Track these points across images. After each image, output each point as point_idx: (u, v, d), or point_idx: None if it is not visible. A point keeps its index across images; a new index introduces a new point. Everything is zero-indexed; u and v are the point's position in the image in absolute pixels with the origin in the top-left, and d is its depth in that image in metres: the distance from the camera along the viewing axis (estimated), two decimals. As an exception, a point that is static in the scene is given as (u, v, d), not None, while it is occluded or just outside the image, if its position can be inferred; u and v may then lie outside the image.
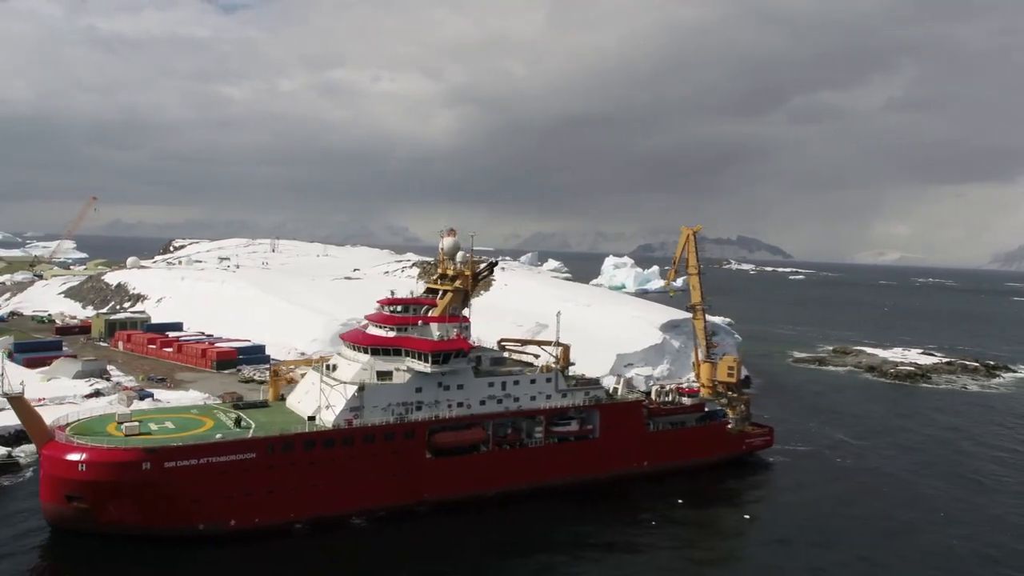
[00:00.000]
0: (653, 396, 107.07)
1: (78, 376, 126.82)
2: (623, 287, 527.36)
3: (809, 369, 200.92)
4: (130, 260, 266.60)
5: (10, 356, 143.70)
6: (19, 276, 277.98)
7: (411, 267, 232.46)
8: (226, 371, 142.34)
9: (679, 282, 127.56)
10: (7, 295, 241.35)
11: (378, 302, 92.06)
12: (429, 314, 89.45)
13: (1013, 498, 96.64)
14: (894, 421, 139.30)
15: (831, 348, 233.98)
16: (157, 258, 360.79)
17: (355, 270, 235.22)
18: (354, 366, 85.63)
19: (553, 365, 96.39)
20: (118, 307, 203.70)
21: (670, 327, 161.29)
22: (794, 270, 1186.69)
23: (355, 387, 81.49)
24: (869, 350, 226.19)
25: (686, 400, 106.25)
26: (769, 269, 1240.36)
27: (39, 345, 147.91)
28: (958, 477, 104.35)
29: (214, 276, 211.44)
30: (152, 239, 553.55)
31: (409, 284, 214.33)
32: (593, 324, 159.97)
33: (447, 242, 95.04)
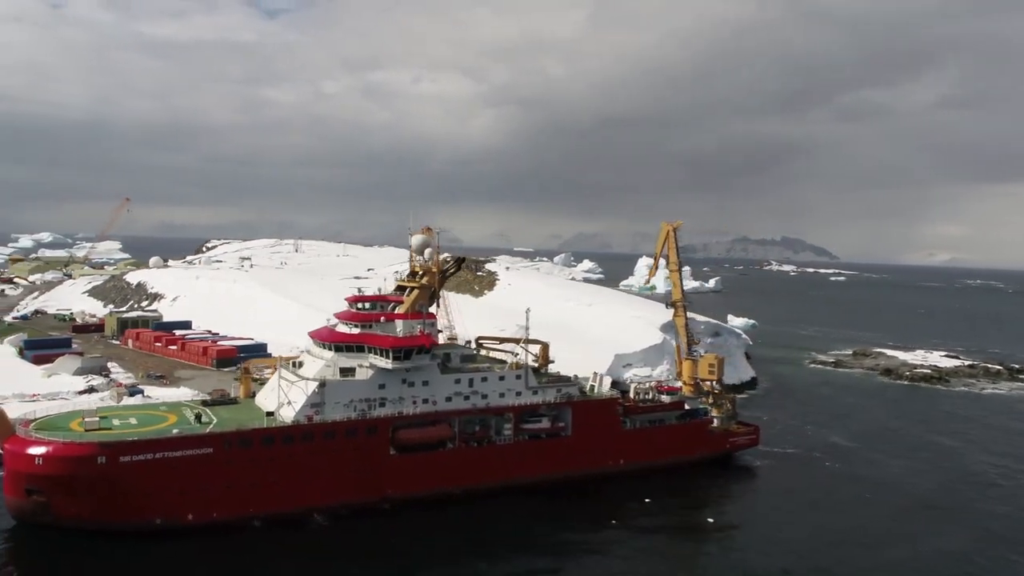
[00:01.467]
0: (631, 394, 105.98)
1: (78, 373, 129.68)
2: (653, 288, 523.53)
3: (824, 371, 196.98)
4: (152, 260, 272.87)
5: (20, 353, 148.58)
6: (49, 275, 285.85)
7: None
8: (226, 369, 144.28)
9: (661, 281, 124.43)
10: (35, 294, 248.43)
11: (346, 299, 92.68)
12: (395, 311, 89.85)
13: (1002, 506, 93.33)
14: (895, 425, 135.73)
15: (851, 350, 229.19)
16: (189, 258, 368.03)
17: (369, 270, 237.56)
18: (318, 363, 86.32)
19: (522, 362, 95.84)
20: (136, 306, 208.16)
21: (671, 327, 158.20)
22: (836, 271, 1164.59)
23: (316, 383, 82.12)
24: (890, 352, 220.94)
25: (665, 398, 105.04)
26: (811, 270, 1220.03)
27: (48, 343, 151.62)
28: (946, 486, 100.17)
29: (226, 276, 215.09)
30: (197, 240, 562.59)
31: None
32: (593, 324, 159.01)
33: (416, 240, 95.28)
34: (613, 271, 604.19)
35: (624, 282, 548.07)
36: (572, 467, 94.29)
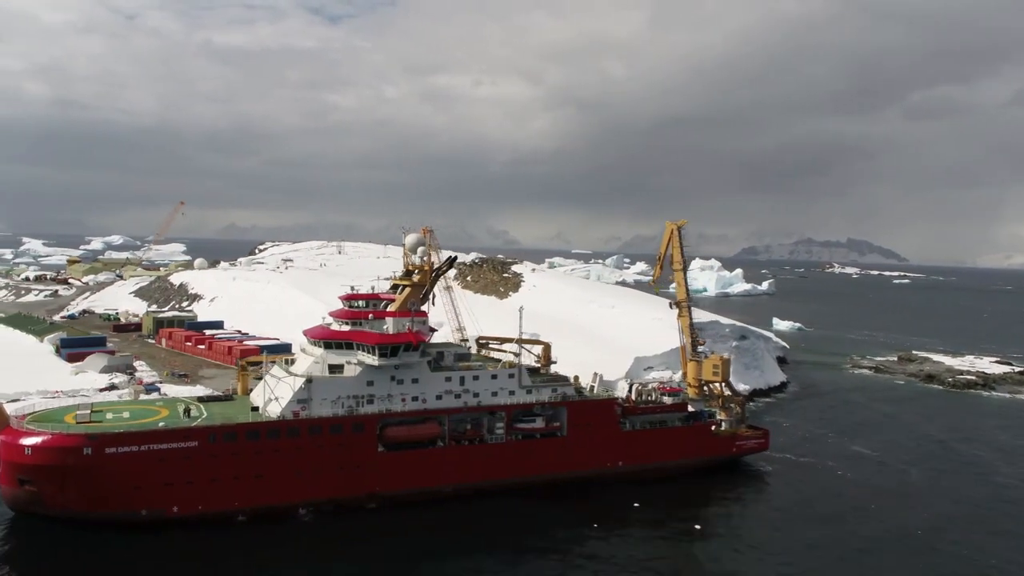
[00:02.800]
0: (633, 395, 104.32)
1: (104, 371, 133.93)
2: (704, 291, 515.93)
3: (862, 376, 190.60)
4: (197, 262, 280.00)
5: (57, 351, 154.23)
6: (102, 277, 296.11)
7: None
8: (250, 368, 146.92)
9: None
10: (87, 294, 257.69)
11: (339, 297, 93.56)
12: (387, 309, 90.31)
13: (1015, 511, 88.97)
14: (924, 433, 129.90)
15: (896, 355, 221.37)
16: (239, 259, 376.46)
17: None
18: (308, 360, 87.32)
19: (515, 361, 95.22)
20: (177, 306, 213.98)
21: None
22: (900, 274, 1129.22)
23: (303, 380, 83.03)
24: (937, 358, 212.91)
25: (667, 399, 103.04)
26: (874, 273, 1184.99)
27: (83, 341, 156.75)
28: (965, 501, 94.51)
29: (261, 277, 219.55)
30: (259, 243, 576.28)
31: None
32: (615, 326, 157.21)
33: (409, 239, 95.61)
34: (667, 273, 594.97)
35: (673, 285, 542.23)
36: (567, 468, 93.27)
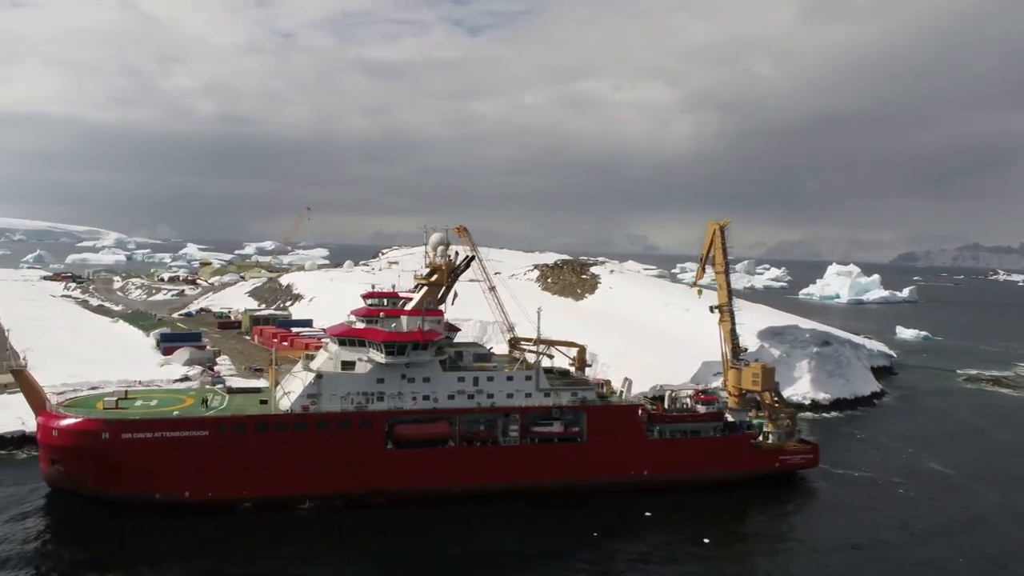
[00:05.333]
0: (665, 402, 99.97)
1: (186, 364, 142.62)
2: (836, 297, 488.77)
3: (974, 390, 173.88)
4: (308, 264, 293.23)
5: (158, 345, 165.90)
6: (227, 278, 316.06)
7: (532, 270, 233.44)
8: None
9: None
10: (208, 294, 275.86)
11: (361, 296, 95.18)
12: (405, 308, 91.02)
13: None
14: (1021, 452, 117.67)
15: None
16: (363, 262, 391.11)
17: (496, 273, 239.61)
18: (323, 356, 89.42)
19: (532, 363, 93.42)
20: (281, 305, 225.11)
21: (770, 334, 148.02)
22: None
23: (313, 375, 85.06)
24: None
25: (701, 408, 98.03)
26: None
27: (180, 336, 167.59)
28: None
29: (354, 278, 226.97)
30: (388, 247, 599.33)
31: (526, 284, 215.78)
32: (687, 329, 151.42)
33: (433, 237, 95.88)
34: (804, 279, 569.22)
35: (804, 290, 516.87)
36: (585, 474, 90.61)
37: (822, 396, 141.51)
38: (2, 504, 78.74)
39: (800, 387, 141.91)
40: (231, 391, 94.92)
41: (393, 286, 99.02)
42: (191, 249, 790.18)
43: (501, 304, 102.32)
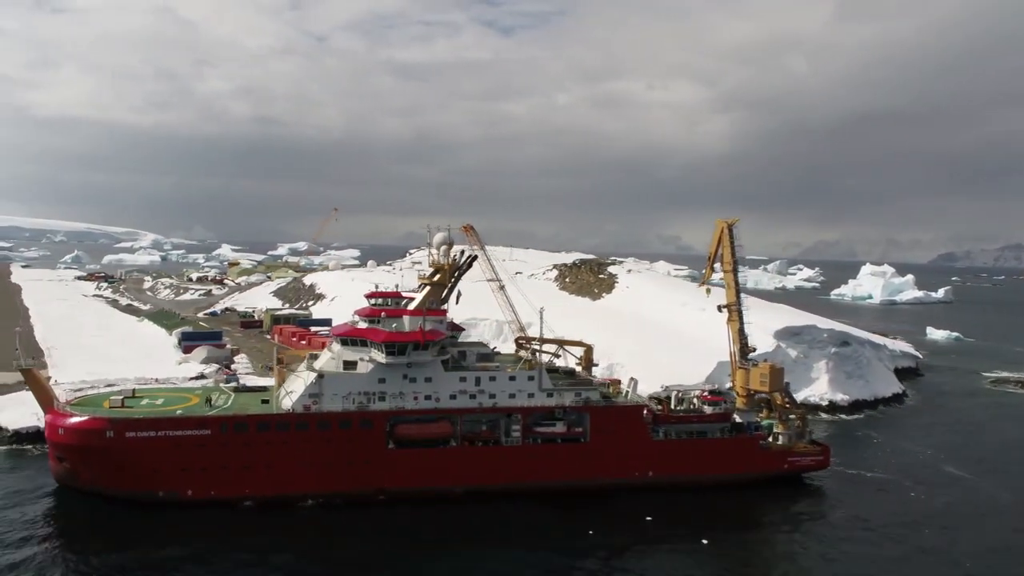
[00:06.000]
0: (672, 402, 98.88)
1: (204, 362, 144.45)
2: (869, 297, 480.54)
3: (999, 392, 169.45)
4: (332, 264, 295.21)
5: (179, 343, 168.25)
6: (254, 278, 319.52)
7: (551, 269, 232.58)
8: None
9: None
10: (234, 294, 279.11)
11: (364, 295, 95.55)
12: (407, 308, 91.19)
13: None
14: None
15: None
16: (388, 262, 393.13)
17: (516, 274, 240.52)
18: (326, 355, 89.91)
19: (534, 363, 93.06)
20: (303, 305, 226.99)
21: (787, 334, 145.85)
22: None
23: (315, 375, 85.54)
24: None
25: (707, 408, 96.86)
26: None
27: (200, 335, 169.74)
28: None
29: (377, 278, 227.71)
30: (416, 247, 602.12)
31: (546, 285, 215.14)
32: (703, 329, 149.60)
33: (437, 237, 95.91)
34: (837, 280, 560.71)
35: (835, 291, 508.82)
36: (589, 475, 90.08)
37: (840, 397, 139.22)
38: (11, 498, 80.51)
39: (818, 388, 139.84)
40: (237, 390, 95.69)
41: (396, 286, 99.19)
42: (224, 250, 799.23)
43: (511, 303, 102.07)
